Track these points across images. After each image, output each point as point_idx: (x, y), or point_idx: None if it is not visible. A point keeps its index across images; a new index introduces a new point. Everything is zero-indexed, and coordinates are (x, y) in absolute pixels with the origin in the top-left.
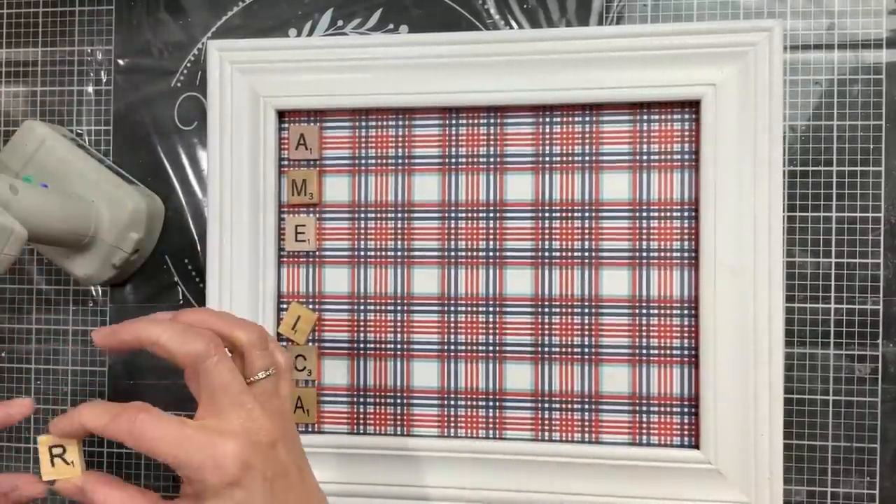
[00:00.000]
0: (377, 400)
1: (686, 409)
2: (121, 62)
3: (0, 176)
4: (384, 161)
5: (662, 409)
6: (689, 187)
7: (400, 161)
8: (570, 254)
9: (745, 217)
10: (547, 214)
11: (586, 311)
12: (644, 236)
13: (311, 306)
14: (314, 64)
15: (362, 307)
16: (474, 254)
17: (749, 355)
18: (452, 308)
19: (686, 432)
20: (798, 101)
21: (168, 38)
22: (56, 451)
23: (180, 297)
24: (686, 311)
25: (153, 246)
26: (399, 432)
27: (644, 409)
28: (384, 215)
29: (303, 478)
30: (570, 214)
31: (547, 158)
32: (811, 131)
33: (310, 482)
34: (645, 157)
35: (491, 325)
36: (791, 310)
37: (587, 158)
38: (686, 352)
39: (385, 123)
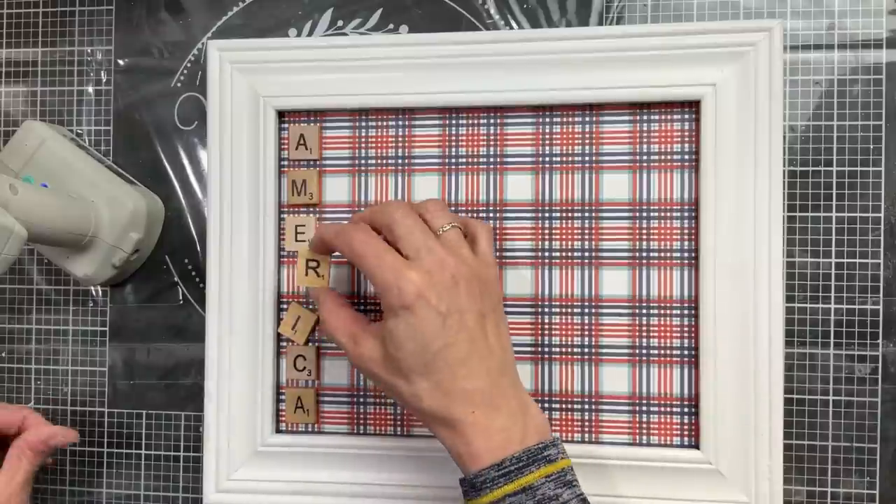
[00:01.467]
0: (377, 400)
1: (686, 409)
2: (121, 62)
3: (0, 176)
4: (384, 161)
5: (662, 409)
6: (689, 187)
7: (400, 161)
8: (570, 254)
9: (745, 217)
10: (547, 214)
11: (586, 311)
12: (644, 236)
13: (311, 306)
14: (314, 64)
15: (362, 307)
16: None
17: (749, 355)
18: None
19: (686, 432)
20: (798, 101)
21: (168, 38)
22: (312, 264)
23: (180, 297)
24: (686, 311)
25: (153, 246)
26: (399, 432)
27: (644, 409)
28: None
29: (483, 326)
30: (570, 214)
31: (547, 158)
32: (811, 131)
33: (493, 337)
34: (645, 158)
35: None
36: (791, 310)
37: (587, 158)
38: (686, 352)
39: (385, 123)
